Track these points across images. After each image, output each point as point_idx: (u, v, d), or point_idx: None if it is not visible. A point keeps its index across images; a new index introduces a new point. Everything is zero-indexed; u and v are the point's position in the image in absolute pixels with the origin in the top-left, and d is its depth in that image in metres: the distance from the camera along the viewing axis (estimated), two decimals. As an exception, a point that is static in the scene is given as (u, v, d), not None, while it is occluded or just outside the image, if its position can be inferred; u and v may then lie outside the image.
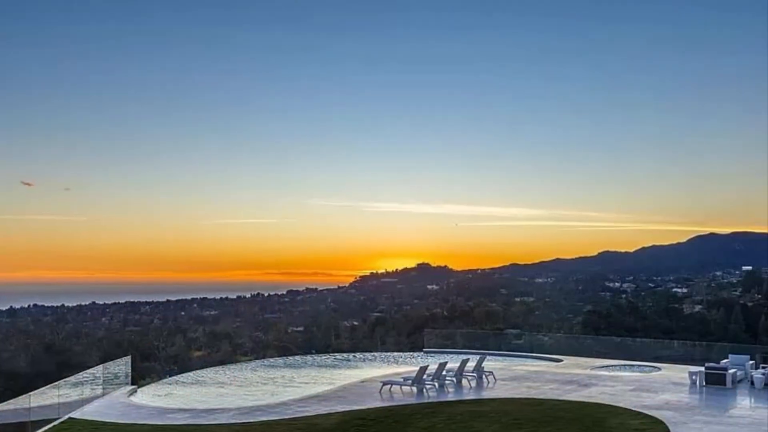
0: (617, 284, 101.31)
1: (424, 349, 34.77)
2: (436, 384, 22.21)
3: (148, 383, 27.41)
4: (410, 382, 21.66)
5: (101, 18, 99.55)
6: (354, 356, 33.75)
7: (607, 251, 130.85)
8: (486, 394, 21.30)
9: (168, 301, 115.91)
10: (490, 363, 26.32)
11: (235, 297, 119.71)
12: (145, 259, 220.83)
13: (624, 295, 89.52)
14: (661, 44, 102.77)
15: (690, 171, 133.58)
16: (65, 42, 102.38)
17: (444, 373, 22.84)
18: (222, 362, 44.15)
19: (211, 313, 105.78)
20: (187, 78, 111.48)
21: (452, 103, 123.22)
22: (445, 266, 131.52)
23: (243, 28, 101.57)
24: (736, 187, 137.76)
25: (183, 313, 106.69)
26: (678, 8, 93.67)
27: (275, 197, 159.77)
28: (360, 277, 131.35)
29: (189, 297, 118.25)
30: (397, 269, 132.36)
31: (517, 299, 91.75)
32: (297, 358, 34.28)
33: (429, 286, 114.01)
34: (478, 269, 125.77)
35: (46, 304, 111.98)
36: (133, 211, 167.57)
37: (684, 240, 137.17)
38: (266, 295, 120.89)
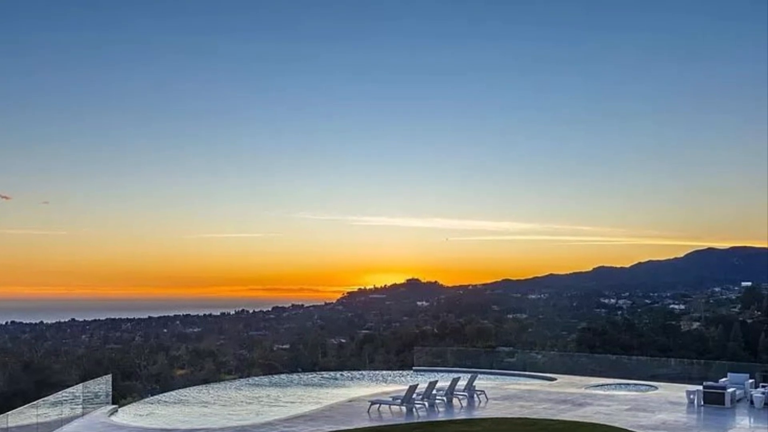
0: (613, 300, 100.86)
1: (414, 368, 34.48)
2: (426, 403, 21.83)
3: (129, 402, 27.10)
4: (399, 401, 21.26)
5: (81, 27, 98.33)
6: (341, 375, 33.52)
7: (603, 266, 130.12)
8: (477, 414, 20.91)
9: (150, 317, 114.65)
10: (482, 382, 25.95)
11: (219, 314, 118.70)
12: (127, 274, 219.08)
13: (620, 312, 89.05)
14: (658, 54, 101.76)
15: (687, 184, 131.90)
16: (44, 51, 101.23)
17: (434, 392, 22.47)
18: (205, 381, 43.50)
19: (195, 330, 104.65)
20: (170, 88, 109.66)
21: (442, 114, 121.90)
22: (436, 282, 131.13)
23: (227, 37, 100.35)
24: (734, 201, 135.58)
25: (165, 330, 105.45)
26: (675, 17, 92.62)
27: (260, 211, 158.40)
28: (348, 293, 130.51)
29: (171, 314, 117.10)
30: (385, 285, 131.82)
31: (510, 316, 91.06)
32: (283, 376, 33.96)
33: (419, 303, 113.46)
34: (469, 285, 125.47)
35: (24, 321, 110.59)
36: (114, 225, 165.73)
37: (681, 255, 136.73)
38: (251, 311, 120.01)
